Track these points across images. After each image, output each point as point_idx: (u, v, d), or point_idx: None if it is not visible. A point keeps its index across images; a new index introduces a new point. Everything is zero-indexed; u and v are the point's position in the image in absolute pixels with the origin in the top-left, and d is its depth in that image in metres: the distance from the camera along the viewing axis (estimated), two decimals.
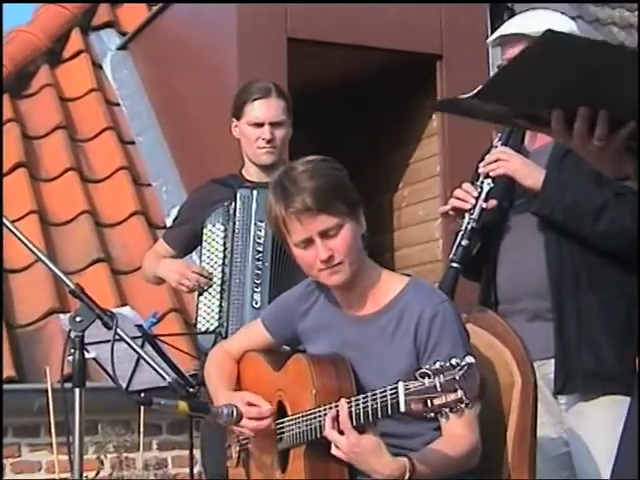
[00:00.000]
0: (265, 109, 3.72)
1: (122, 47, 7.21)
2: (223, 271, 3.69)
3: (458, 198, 3.05)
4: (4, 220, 2.48)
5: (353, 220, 2.57)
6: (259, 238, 3.65)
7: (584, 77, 1.58)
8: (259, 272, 3.63)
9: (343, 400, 2.39)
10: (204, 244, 3.75)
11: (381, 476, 2.39)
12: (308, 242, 2.54)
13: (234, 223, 3.68)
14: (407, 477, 2.37)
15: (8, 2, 6.56)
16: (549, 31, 1.52)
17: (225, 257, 3.69)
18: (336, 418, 2.39)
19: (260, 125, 3.72)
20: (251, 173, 3.80)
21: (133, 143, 6.66)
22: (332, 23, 5.78)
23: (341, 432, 2.38)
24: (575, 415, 2.92)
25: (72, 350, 2.37)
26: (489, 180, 3.01)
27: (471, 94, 1.64)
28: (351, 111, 6.38)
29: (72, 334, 2.38)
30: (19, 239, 2.48)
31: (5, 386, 4.89)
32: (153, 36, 6.83)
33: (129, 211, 6.06)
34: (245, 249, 3.66)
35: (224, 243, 3.70)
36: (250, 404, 2.65)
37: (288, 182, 2.54)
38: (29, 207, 5.88)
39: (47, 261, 2.53)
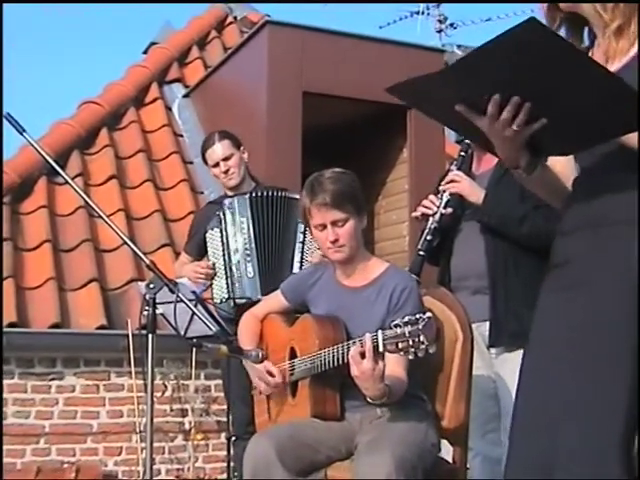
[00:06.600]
0: (212, 154, 3.81)
1: (186, 95, 7.17)
2: (224, 258, 3.69)
3: (425, 206, 3.01)
4: (103, 216, 2.46)
5: (357, 218, 2.55)
6: (243, 229, 3.65)
7: (519, 71, 1.46)
8: (248, 252, 3.63)
9: (367, 334, 2.26)
10: (208, 244, 3.76)
11: (372, 395, 2.30)
12: (323, 227, 2.53)
13: (225, 223, 3.69)
14: (386, 398, 2.32)
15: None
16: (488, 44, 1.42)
17: (224, 249, 3.69)
18: (362, 347, 2.25)
19: (216, 165, 3.79)
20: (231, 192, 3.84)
21: (192, 163, 6.59)
22: (335, 81, 5.74)
23: (362, 356, 2.24)
24: (501, 362, 2.88)
25: (146, 307, 2.35)
26: (447, 193, 2.96)
27: (431, 73, 1.55)
28: (348, 145, 6.33)
29: (147, 296, 2.36)
30: (112, 228, 2.46)
31: (99, 331, 4.90)
32: (208, 89, 6.80)
33: (187, 211, 5.97)
34: (235, 239, 3.66)
35: (221, 239, 3.70)
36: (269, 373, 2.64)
37: (316, 182, 2.53)
38: (118, 206, 5.84)
39: (130, 244, 2.50)
